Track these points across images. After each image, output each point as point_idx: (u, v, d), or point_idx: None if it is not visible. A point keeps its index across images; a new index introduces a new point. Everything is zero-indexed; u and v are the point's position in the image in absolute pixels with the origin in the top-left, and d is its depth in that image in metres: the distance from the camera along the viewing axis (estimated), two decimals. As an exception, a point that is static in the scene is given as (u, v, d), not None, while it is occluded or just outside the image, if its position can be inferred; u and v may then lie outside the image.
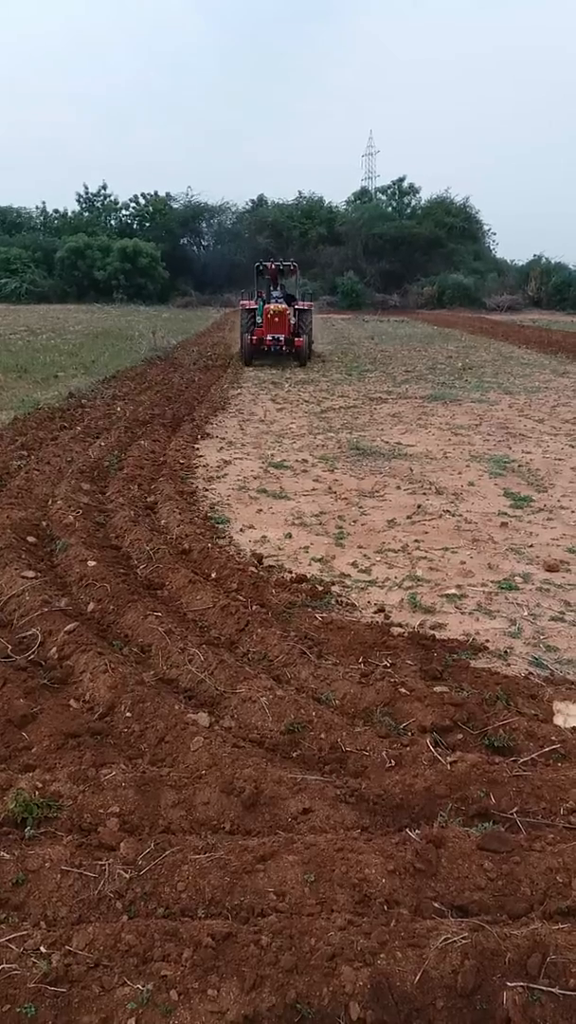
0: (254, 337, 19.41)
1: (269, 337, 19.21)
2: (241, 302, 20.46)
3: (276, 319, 19.09)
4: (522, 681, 4.23)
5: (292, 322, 19.54)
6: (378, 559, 6.18)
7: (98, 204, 63.03)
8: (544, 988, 2.25)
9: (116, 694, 3.82)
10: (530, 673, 4.40)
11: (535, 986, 2.26)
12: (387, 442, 10.79)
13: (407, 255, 55.23)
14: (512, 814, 3.09)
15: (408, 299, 53.46)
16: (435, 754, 3.38)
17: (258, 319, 19.48)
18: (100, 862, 2.69)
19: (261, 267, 21.19)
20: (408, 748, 3.46)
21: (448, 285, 52.80)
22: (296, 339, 19.50)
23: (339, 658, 4.36)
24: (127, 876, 2.65)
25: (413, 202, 63.75)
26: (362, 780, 3.30)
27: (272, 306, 19.14)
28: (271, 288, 20.87)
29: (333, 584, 5.61)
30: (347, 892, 2.60)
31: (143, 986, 2.22)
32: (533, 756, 3.49)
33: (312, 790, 3.16)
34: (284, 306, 19.34)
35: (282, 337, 19.23)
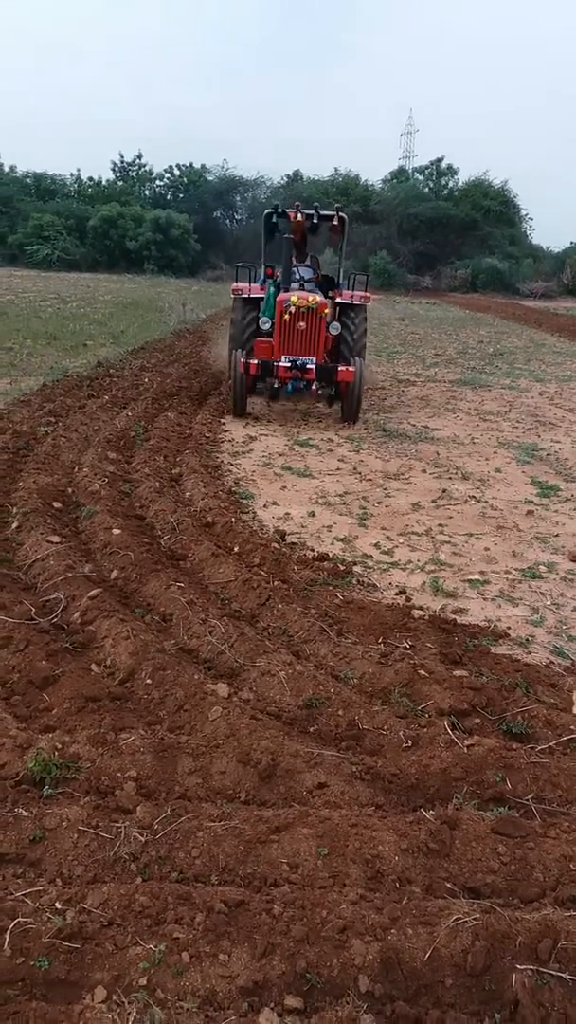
0: (254, 362, 9.96)
1: (285, 362, 9.91)
2: (234, 286, 11.03)
3: (303, 324, 9.91)
4: (542, 669, 4.20)
5: (332, 333, 10.23)
6: (401, 541, 6.16)
7: (133, 173, 62.70)
8: (554, 973, 2.25)
9: (137, 660, 3.84)
10: (551, 662, 4.37)
11: (545, 970, 2.26)
12: (414, 425, 10.71)
13: (442, 237, 54.46)
14: (527, 800, 3.09)
15: (441, 282, 52.82)
16: (452, 737, 3.37)
17: (262, 322, 10.37)
18: (116, 824, 2.72)
19: (275, 218, 11.54)
20: (425, 729, 3.45)
21: (482, 269, 52.06)
22: (340, 368, 10.01)
23: (359, 637, 4.36)
24: (142, 839, 2.68)
25: (450, 183, 62.74)
26: (378, 758, 3.30)
27: (296, 296, 9.92)
28: (291, 260, 10.86)
29: (355, 564, 5.59)
30: (360, 867, 2.61)
31: (155, 947, 2.25)
32: (551, 744, 3.47)
33: (328, 765, 3.17)
34: (319, 298, 10.18)
35: (312, 363, 9.95)
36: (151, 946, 2.26)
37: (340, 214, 10.94)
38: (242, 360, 9.94)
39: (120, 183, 61.16)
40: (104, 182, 60.83)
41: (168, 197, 60.11)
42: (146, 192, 61.73)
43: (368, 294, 11.03)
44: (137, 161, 62.88)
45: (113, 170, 62.71)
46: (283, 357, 9.95)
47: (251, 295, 10.91)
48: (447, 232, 55.00)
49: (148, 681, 3.73)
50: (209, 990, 2.17)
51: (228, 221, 61.32)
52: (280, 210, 11.29)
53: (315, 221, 10.95)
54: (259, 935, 2.30)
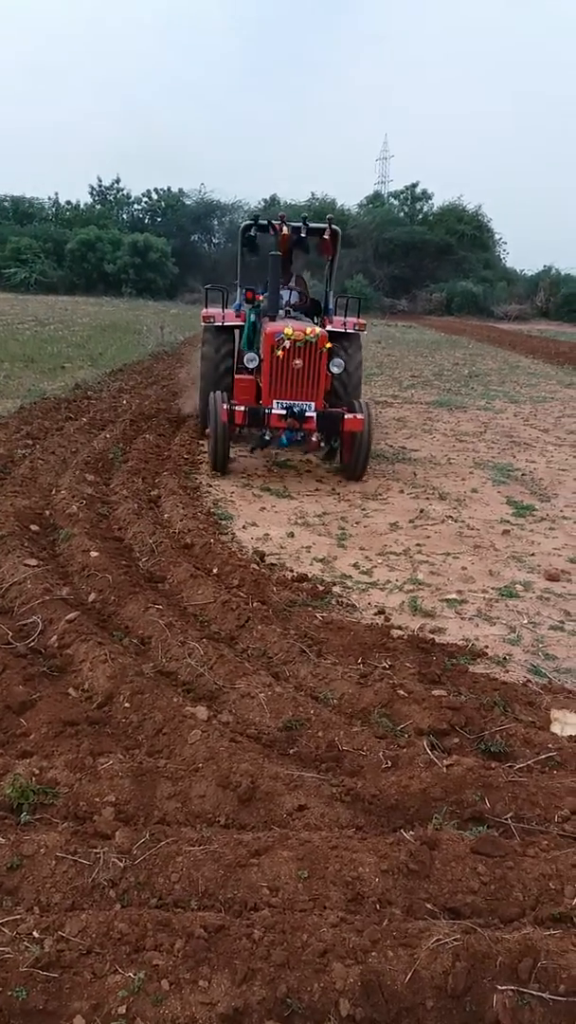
0: (240, 408, 8.19)
1: (278, 409, 8.16)
2: (205, 312, 9.61)
3: (299, 362, 8.11)
4: (520, 688, 4.23)
5: (334, 372, 8.44)
6: (379, 561, 6.19)
7: (110, 197, 62.98)
8: (534, 993, 2.25)
9: (115, 684, 3.82)
10: (528, 680, 4.40)
11: (525, 990, 2.26)
12: (391, 446, 10.79)
13: (417, 260, 55.20)
14: (507, 819, 3.09)
15: (416, 304, 53.46)
16: (432, 757, 3.38)
17: (248, 359, 8.69)
18: (95, 850, 2.70)
19: (254, 231, 9.73)
20: (405, 750, 3.46)
21: (457, 292, 52.81)
22: (347, 416, 8.24)
23: (338, 658, 4.37)
24: (121, 865, 2.65)
25: (425, 208, 63.71)
26: (358, 779, 3.30)
27: (290, 328, 8.04)
28: (278, 282, 9.03)
29: (334, 584, 5.61)
30: (340, 890, 2.60)
31: (135, 974, 2.23)
32: (529, 762, 3.49)
33: (308, 787, 3.16)
34: (318, 329, 8.27)
35: (312, 410, 8.19)
36: (130, 974, 2.23)
37: (332, 227, 9.40)
38: (225, 407, 7.97)
39: (98, 207, 61.38)
40: (82, 206, 61.07)
41: (146, 221, 60.41)
42: (124, 216, 62.01)
43: (363, 320, 9.70)
44: (115, 185, 63.22)
45: (91, 194, 62.97)
46: (275, 402, 8.10)
47: (226, 323, 9.49)
48: (422, 256, 55.77)
49: (126, 705, 3.71)
50: (189, 1018, 2.15)
51: (206, 245, 61.72)
52: (261, 222, 9.43)
53: (303, 235, 9.25)
54: (239, 960, 2.28)
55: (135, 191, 64.21)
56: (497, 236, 63.23)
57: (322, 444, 8.83)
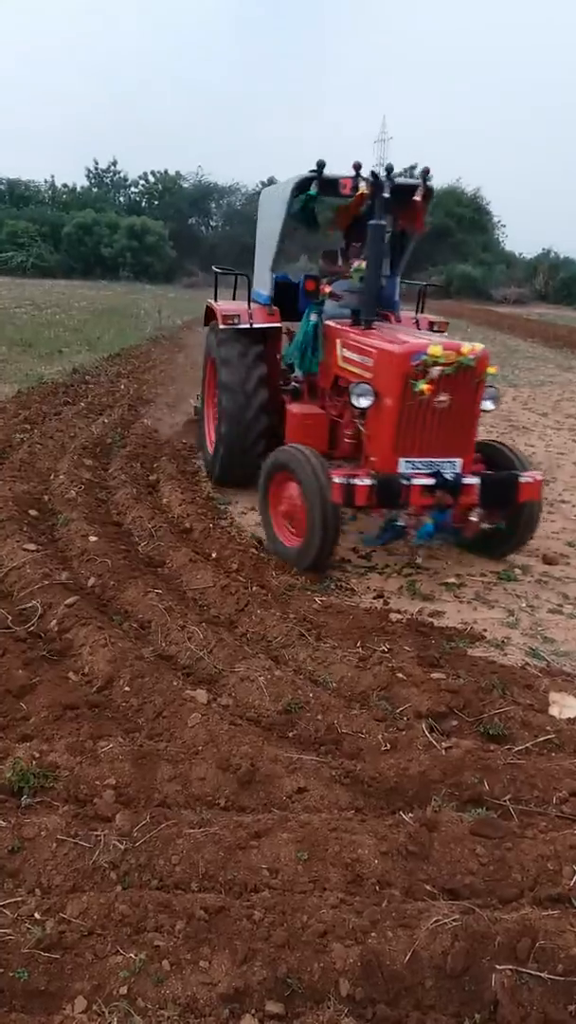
0: (365, 483, 4.96)
1: (417, 476, 5.12)
2: (220, 307, 7.07)
3: (445, 399, 5.12)
4: (518, 671, 4.24)
5: (488, 409, 5.52)
6: (378, 545, 6.18)
7: (107, 180, 62.49)
8: (532, 972, 2.27)
9: (115, 668, 3.83)
10: (526, 663, 4.41)
11: (524, 970, 2.27)
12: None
13: (416, 244, 54.90)
14: (505, 801, 3.10)
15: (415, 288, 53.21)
16: (430, 739, 3.39)
17: (357, 394, 5.34)
18: (95, 833, 2.71)
19: (316, 190, 5.96)
20: (404, 732, 3.47)
21: (455, 275, 52.50)
22: (521, 479, 5.35)
23: (337, 641, 4.37)
24: (122, 847, 2.66)
25: (424, 190, 63.37)
26: (357, 762, 3.31)
27: (437, 344, 5.08)
28: (378, 266, 5.99)
29: (333, 568, 5.61)
30: (340, 871, 2.62)
31: (136, 955, 2.24)
32: (528, 745, 3.50)
33: (307, 770, 3.17)
34: (477, 346, 5.24)
35: (464, 474, 5.26)
36: (131, 955, 2.25)
37: (427, 182, 6.14)
38: (339, 480, 4.98)
39: (95, 190, 60.92)
40: (79, 188, 60.59)
41: (143, 204, 59.95)
42: (121, 199, 61.55)
43: (444, 319, 7.42)
44: (112, 168, 62.73)
45: (88, 177, 62.50)
46: (402, 461, 5.18)
47: (255, 324, 6.76)
48: (421, 239, 55.39)
49: (126, 688, 3.71)
50: (190, 997, 2.16)
51: (204, 228, 61.32)
52: (332, 174, 5.92)
53: (385, 196, 5.75)
54: (240, 941, 2.29)
55: (132, 174, 63.69)
56: (496, 219, 62.80)
57: (484, 526, 5.46)
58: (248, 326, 6.79)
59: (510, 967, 2.28)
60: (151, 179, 61.54)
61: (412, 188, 6.19)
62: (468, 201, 59.45)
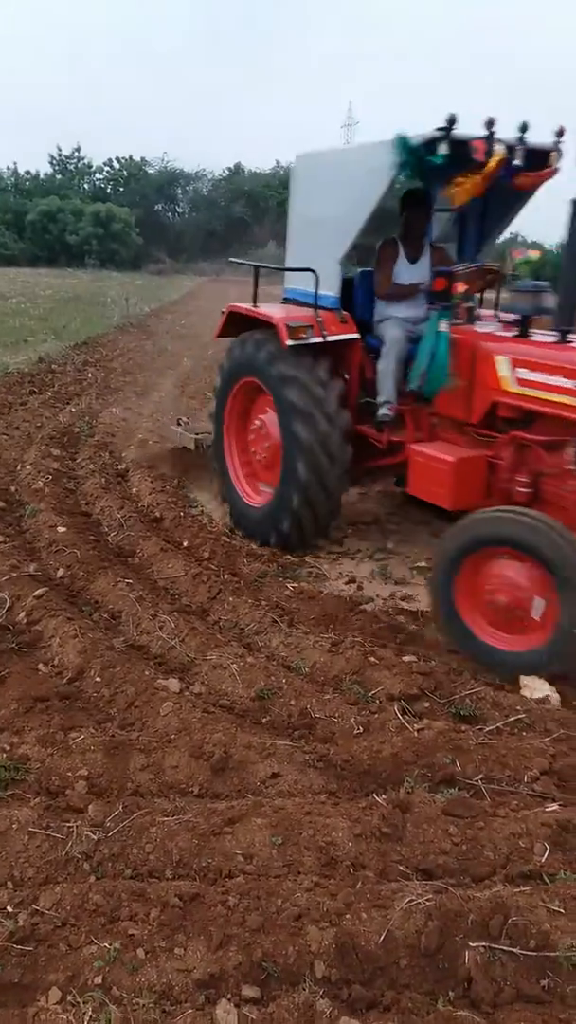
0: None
1: None
2: (273, 315, 5.41)
3: None
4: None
5: None
6: (350, 531, 6.19)
7: (71, 167, 61.55)
8: (505, 948, 2.29)
9: (85, 659, 3.80)
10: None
11: (496, 946, 2.30)
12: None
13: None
14: (477, 781, 3.13)
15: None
16: (403, 721, 3.42)
17: None
18: (68, 824, 2.69)
19: (443, 149, 4.42)
20: (376, 715, 3.49)
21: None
22: None
23: (310, 627, 4.38)
24: (95, 838, 2.65)
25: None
26: (330, 746, 3.32)
27: None
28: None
29: (305, 555, 5.61)
30: (314, 855, 2.63)
31: (110, 945, 2.23)
32: (499, 725, 3.53)
33: (281, 755, 3.18)
34: None
35: None
36: (105, 944, 2.24)
37: (559, 145, 5.02)
38: None
39: (59, 176, 60.01)
40: (42, 175, 59.62)
41: (108, 190, 59.18)
42: (85, 186, 60.69)
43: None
44: (75, 154, 61.77)
45: (51, 163, 61.49)
46: None
47: (335, 337, 5.35)
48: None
49: (97, 679, 3.69)
50: (165, 985, 2.16)
51: (170, 215, 60.70)
52: (463, 134, 4.51)
53: (517, 163, 4.72)
54: (215, 927, 2.30)
55: (96, 160, 62.76)
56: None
57: None
58: (321, 339, 5.23)
59: (483, 944, 2.30)
60: (116, 165, 60.80)
61: (546, 153, 5.00)
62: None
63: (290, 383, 5.19)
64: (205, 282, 40.78)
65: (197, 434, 7.27)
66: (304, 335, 5.17)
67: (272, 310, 5.57)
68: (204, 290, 35.05)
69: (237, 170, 62.36)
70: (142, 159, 60.73)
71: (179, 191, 60.81)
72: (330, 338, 5.29)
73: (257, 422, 5.84)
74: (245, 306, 5.78)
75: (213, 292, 33.36)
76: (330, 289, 5.40)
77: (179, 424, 7.73)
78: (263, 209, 55.84)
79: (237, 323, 5.91)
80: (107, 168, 61.10)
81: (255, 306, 5.66)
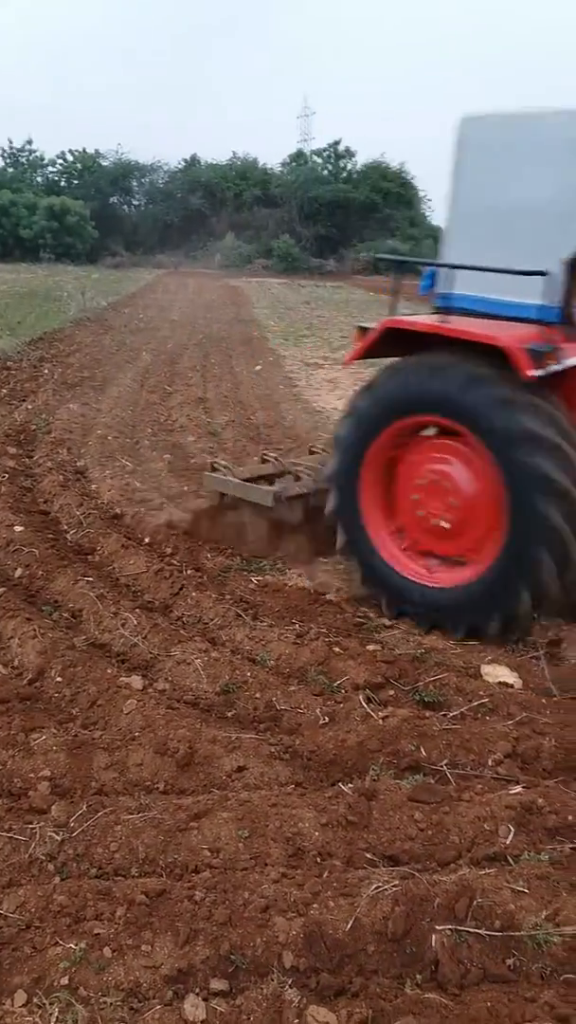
0: None
1: None
2: (465, 331, 4.14)
3: None
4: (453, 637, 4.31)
5: None
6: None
7: (23, 160, 60.46)
8: (471, 930, 2.33)
9: (46, 659, 3.76)
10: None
11: (462, 928, 2.33)
12: (323, 408, 10.78)
13: (343, 220, 54.80)
14: (442, 766, 3.17)
15: (345, 265, 53.18)
16: (367, 710, 3.44)
17: None
18: (31, 825, 2.66)
19: None
20: (341, 705, 3.50)
21: (384, 251, 52.74)
22: None
23: (275, 620, 4.38)
24: (59, 839, 2.63)
25: (349, 166, 63.03)
26: (296, 737, 3.33)
27: None
28: None
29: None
30: (281, 846, 2.63)
31: (76, 945, 2.21)
32: (462, 710, 3.57)
33: (247, 748, 3.18)
34: None
35: None
36: (71, 945, 2.22)
37: None
38: None
39: (10, 170, 58.90)
40: (-7, 169, 58.45)
41: (62, 183, 58.23)
42: (38, 179, 59.64)
43: None
44: (27, 147, 60.68)
45: (2, 156, 60.35)
46: None
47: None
48: (348, 215, 55.41)
49: (59, 679, 3.65)
50: (133, 982, 2.15)
51: (126, 207, 59.98)
52: None
53: None
54: (182, 922, 2.29)
55: (49, 153, 61.67)
56: (422, 193, 63.12)
57: None
58: (558, 365, 4.11)
59: (449, 927, 2.33)
60: (69, 158, 59.86)
61: None
62: (393, 176, 59.60)
63: (518, 409, 3.96)
64: (163, 275, 40.45)
65: (267, 481, 5.48)
66: (553, 362, 4.04)
67: (477, 327, 4.24)
68: (163, 283, 34.77)
69: (193, 161, 61.81)
70: (96, 151, 59.91)
71: (134, 183, 60.07)
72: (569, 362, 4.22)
73: (427, 475, 4.40)
74: (425, 321, 4.45)
75: (172, 285, 33.12)
76: (550, 298, 4.31)
77: (219, 469, 5.55)
78: (220, 200, 55.52)
79: (387, 342, 4.50)
80: (60, 161, 60.12)
81: (444, 321, 4.32)
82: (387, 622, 4.44)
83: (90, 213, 50.47)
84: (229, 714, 3.57)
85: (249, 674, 3.72)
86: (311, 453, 6.30)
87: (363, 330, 4.76)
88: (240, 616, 4.32)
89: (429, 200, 63.73)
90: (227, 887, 2.40)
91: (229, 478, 5.38)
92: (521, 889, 2.45)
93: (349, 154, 63.33)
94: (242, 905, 2.34)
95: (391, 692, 3.73)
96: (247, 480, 5.38)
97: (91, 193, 54.84)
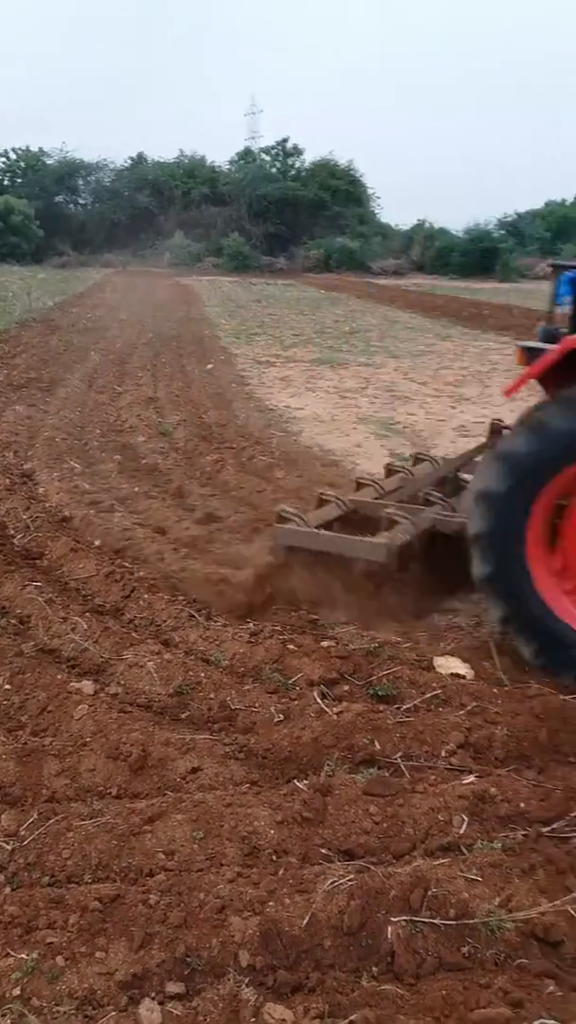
0: None
1: None
2: None
3: None
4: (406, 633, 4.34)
5: None
6: (271, 521, 6.18)
7: (-36, 159, 59.18)
8: (426, 920, 2.35)
9: (-6, 667, 3.69)
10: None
11: (418, 919, 2.35)
12: (276, 405, 10.78)
13: (293, 217, 54.86)
14: (396, 759, 3.19)
15: (296, 262, 53.23)
16: (322, 706, 3.44)
17: None
18: (-20, 837, 2.61)
19: None
20: (296, 702, 3.51)
21: (335, 249, 52.93)
22: None
23: (228, 620, 4.35)
24: (9, 848, 2.58)
25: (298, 164, 63.08)
26: (251, 736, 3.33)
27: None
28: None
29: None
30: (236, 845, 2.63)
31: (28, 955, 2.18)
32: (416, 703, 3.60)
33: (201, 749, 3.16)
34: None
35: None
36: (23, 955, 2.18)
37: None
38: None
39: (-48, 169, 57.62)
40: None
41: (5, 182, 57.18)
42: (-20, 178, 58.42)
43: None
44: (-32, 146, 59.35)
45: (-57, 156, 58.92)
46: None
47: None
48: (298, 212, 55.48)
49: (7, 687, 3.58)
50: (87, 990, 2.12)
51: (72, 206, 59.13)
52: None
53: None
54: (136, 927, 2.27)
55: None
56: (371, 191, 63.43)
57: None
58: None
59: (405, 918, 2.35)
60: (12, 156, 58.76)
61: None
62: (342, 173, 59.82)
63: None
64: (111, 274, 40.03)
65: (341, 526, 4.73)
66: None
67: None
68: (112, 282, 34.41)
69: (140, 159, 61.25)
70: (40, 149, 58.92)
71: (80, 182, 59.27)
72: None
73: None
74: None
75: (121, 284, 32.78)
76: None
77: (294, 519, 4.58)
78: (168, 198, 55.10)
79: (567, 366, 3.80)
80: (2, 159, 59.03)
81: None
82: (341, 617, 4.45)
83: (35, 212, 49.64)
84: (183, 716, 3.54)
85: (203, 675, 3.70)
86: (389, 474, 5.61)
87: (530, 352, 4.03)
88: (193, 617, 4.29)
89: (378, 198, 64.21)
90: (182, 889, 2.38)
91: (319, 531, 4.51)
92: (475, 877, 2.48)
93: (297, 152, 63.39)
94: (197, 907, 2.32)
95: (346, 687, 3.74)
96: (322, 527, 4.57)
97: (36, 192, 53.92)
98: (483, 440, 5.87)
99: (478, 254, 50.99)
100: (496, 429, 4.63)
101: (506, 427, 4.44)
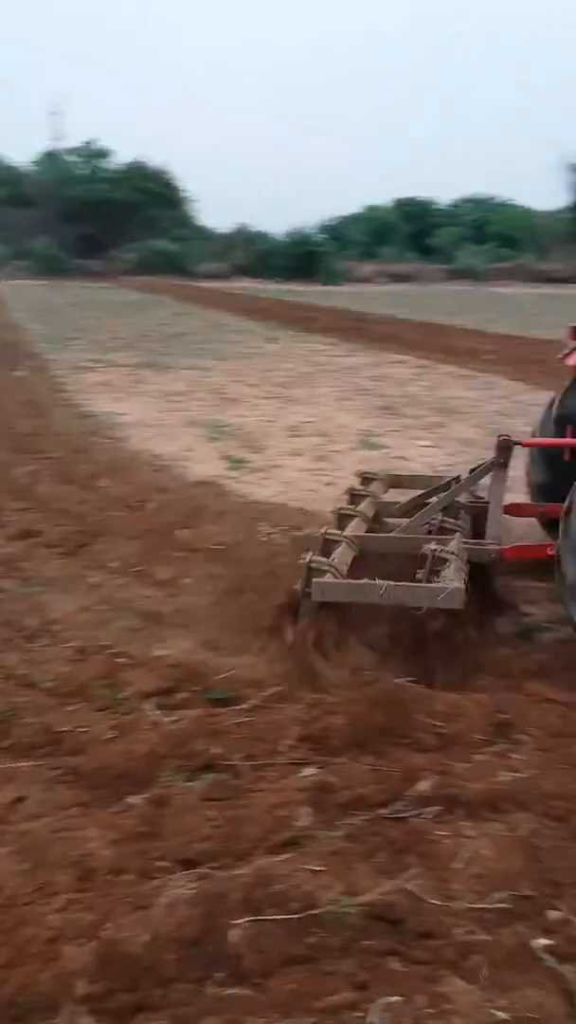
0: None
1: None
2: None
3: None
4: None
5: None
6: (94, 531, 6.01)
7: None
8: (271, 917, 2.34)
9: None
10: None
11: (262, 917, 2.34)
12: (97, 411, 10.50)
13: (106, 220, 53.72)
14: (236, 760, 3.16)
15: (113, 265, 52.22)
16: (155, 717, 3.37)
17: None
18: None
19: None
20: (128, 716, 3.41)
21: (152, 251, 52.46)
22: None
23: (50, 639, 4.16)
24: None
25: (108, 165, 61.72)
26: (80, 757, 3.18)
27: None
28: None
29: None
30: (67, 872, 2.50)
31: None
32: (254, 702, 3.59)
33: (24, 777, 2.99)
34: None
35: None
36: None
37: None
38: None
39: None
40: None
41: None
42: None
43: None
44: None
45: None
46: None
47: None
48: (111, 215, 54.44)
49: None
50: None
51: None
52: None
53: None
54: (-45, 979, 2.10)
55: None
56: (187, 194, 63.34)
57: None
58: None
59: (248, 919, 2.33)
60: None
61: None
62: (155, 176, 59.38)
63: None
64: None
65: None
66: None
67: None
68: None
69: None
70: None
71: None
72: None
73: None
74: None
75: None
76: None
77: (326, 571, 3.83)
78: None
79: None
80: None
81: None
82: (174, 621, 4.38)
83: None
84: (3, 744, 3.33)
85: (25, 699, 3.51)
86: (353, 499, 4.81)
87: None
88: (11, 640, 4.06)
89: (195, 201, 64.30)
90: (8, 926, 2.23)
91: (366, 582, 3.81)
92: (318, 868, 2.50)
93: (105, 153, 62.02)
94: (26, 942, 2.19)
95: (183, 695, 3.67)
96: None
97: None
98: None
99: (300, 257, 52.36)
100: (506, 446, 4.30)
101: (516, 443, 4.37)
